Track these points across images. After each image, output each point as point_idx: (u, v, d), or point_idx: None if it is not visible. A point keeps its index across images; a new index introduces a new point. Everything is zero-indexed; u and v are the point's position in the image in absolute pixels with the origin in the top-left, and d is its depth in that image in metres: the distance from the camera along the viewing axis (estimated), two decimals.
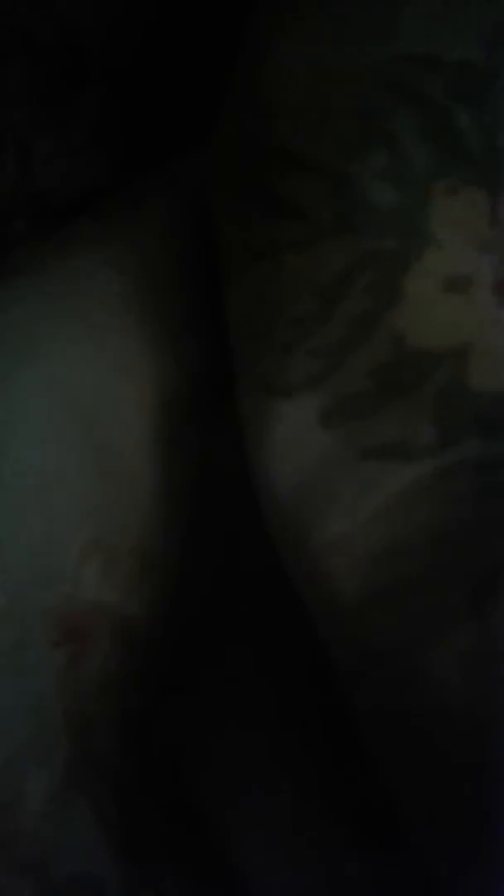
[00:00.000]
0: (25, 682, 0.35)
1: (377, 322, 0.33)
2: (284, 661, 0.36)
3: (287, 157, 0.34)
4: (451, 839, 0.30)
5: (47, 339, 0.38)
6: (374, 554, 0.32)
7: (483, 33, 0.33)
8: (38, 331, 0.38)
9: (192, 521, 0.37)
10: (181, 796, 0.35)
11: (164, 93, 0.43)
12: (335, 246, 0.33)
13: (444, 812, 0.30)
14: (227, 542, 0.37)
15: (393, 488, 0.32)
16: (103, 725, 0.35)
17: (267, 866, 0.34)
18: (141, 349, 0.38)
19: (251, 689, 0.36)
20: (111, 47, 0.42)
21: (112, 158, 0.43)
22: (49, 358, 0.37)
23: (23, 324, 0.38)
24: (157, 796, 0.35)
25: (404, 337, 0.33)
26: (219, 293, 0.37)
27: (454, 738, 0.30)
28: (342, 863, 0.34)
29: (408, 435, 0.32)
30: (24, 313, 0.38)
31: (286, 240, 0.34)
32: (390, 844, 0.33)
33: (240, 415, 0.35)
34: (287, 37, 0.35)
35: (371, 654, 0.31)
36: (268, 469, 0.34)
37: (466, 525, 0.31)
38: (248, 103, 0.36)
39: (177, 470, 0.37)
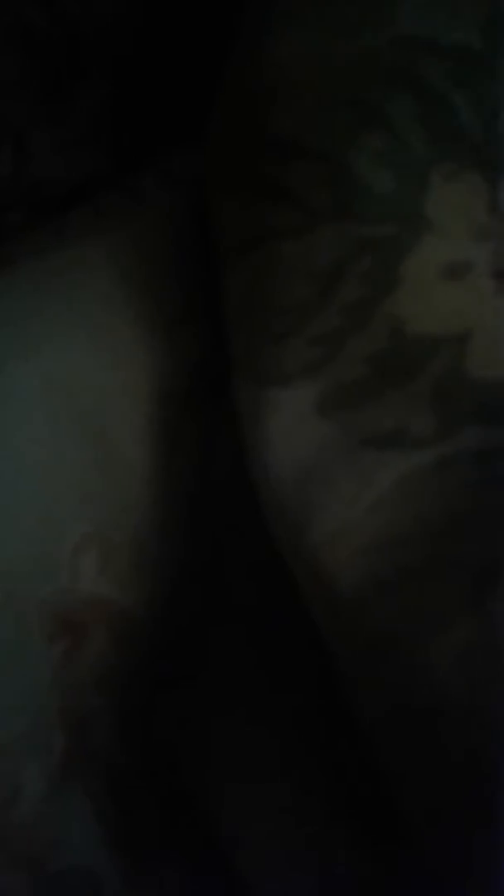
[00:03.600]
0: (21, 675, 0.35)
1: (374, 309, 0.33)
2: (283, 656, 0.35)
3: (282, 144, 0.34)
4: (451, 834, 0.30)
5: (43, 330, 0.37)
6: (372, 545, 0.31)
7: (480, 16, 0.33)
8: (33, 322, 0.38)
9: (190, 513, 0.37)
10: (178, 790, 0.35)
11: (161, 85, 0.43)
12: (331, 232, 0.33)
13: (444, 805, 0.30)
14: (225, 535, 0.37)
15: (392, 478, 0.32)
16: (100, 719, 0.35)
17: (265, 862, 0.34)
18: (137, 340, 0.38)
19: (249, 684, 0.35)
20: (108, 40, 0.42)
21: (109, 150, 0.43)
22: (45, 349, 0.37)
23: (18, 315, 0.38)
24: (154, 790, 0.35)
25: (402, 324, 0.32)
26: (216, 284, 0.37)
27: (454, 731, 0.29)
28: (341, 860, 0.34)
29: (407, 423, 0.32)
30: (19, 304, 0.38)
31: (282, 227, 0.34)
32: (390, 843, 0.33)
33: (237, 405, 0.35)
34: (282, 24, 0.35)
35: (370, 646, 0.31)
36: (265, 459, 0.33)
37: (466, 515, 0.31)
38: (243, 91, 0.36)
39: (174, 461, 0.37)
